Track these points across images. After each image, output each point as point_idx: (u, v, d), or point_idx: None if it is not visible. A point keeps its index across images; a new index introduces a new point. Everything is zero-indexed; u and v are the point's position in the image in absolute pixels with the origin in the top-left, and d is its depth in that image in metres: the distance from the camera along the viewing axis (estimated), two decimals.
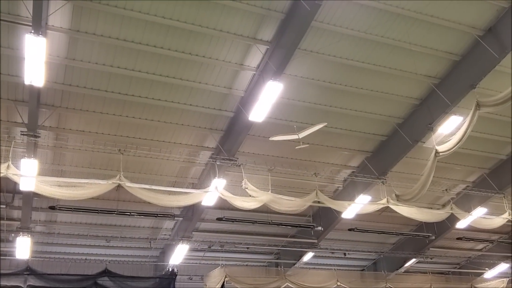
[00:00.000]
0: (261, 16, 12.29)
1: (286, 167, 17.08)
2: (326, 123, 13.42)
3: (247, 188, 15.20)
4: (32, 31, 10.13)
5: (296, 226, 20.43)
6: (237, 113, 14.95)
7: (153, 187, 14.34)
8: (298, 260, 22.37)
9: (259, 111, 13.20)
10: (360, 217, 18.75)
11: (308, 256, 22.12)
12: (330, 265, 23.16)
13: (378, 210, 16.97)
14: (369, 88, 15.13)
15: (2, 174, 12.41)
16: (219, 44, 12.86)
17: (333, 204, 16.94)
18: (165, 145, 15.87)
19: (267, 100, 12.74)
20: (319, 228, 19.87)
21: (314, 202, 16.58)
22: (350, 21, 12.74)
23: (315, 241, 21.10)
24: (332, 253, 22.60)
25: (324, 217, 19.92)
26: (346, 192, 18.58)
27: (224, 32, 12.45)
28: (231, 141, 15.49)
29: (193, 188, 17.15)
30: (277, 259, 23.38)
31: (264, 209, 16.25)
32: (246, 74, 13.92)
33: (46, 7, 10.66)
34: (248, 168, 15.97)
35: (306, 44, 13.04)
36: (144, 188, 14.22)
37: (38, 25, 10.28)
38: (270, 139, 13.34)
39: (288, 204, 15.81)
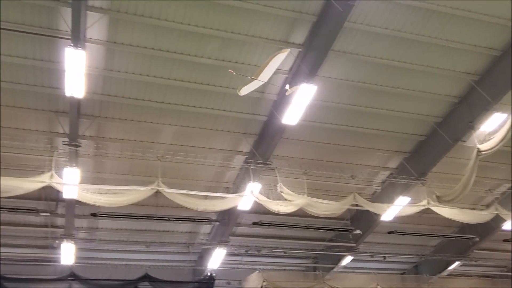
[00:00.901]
0: (293, 20, 12.28)
1: (321, 170, 16.94)
2: (287, 51, 9.64)
3: (282, 192, 15.19)
4: (72, 44, 10.49)
5: (334, 230, 20.21)
6: (270, 117, 14.96)
7: (190, 192, 14.55)
8: (337, 264, 22.06)
9: (293, 114, 13.16)
10: (400, 219, 18.32)
11: (346, 260, 21.79)
12: (370, 268, 22.76)
13: (418, 212, 16.58)
14: (406, 87, 14.83)
15: (46, 183, 12.88)
16: (251, 49, 12.92)
17: (372, 207, 16.68)
18: (200, 151, 16.06)
19: (300, 102, 12.69)
20: (358, 231, 19.58)
21: (352, 205, 16.43)
22: (384, 20, 12.55)
23: (354, 244, 20.77)
24: (372, 256, 22.17)
25: (363, 220, 19.59)
26: (385, 194, 18.22)
27: (256, 37, 12.51)
28: (265, 145, 15.50)
29: (228, 192, 17.22)
30: (315, 263, 23.13)
31: (300, 213, 16.17)
32: (279, 78, 13.91)
33: (84, 20, 11.01)
34: (283, 172, 15.95)
35: (339, 45, 12.93)
36: (181, 194, 14.45)
37: (77, 38, 10.64)
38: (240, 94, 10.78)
39: (325, 207, 15.69)
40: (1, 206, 16.25)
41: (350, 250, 21.16)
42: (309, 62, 12.63)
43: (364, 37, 12.92)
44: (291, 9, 11.96)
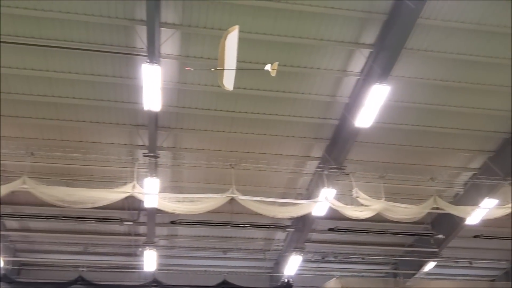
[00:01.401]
0: (362, 20, 12.01)
1: (398, 173, 16.35)
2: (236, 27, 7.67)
3: (358, 197, 14.86)
4: (148, 60, 10.98)
5: (414, 235, 19.45)
6: (342, 120, 14.70)
7: (264, 199, 14.63)
8: (418, 270, 21.14)
9: (366, 117, 12.83)
10: (487, 222, 17.17)
11: (429, 266, 20.82)
12: (455, 275, 21.62)
13: (507, 215, 15.48)
14: (486, 83, 13.95)
15: (128, 193, 13.55)
16: (320, 53, 12.80)
17: (455, 210, 15.86)
18: (272, 157, 16.12)
19: (373, 104, 12.35)
20: (440, 236, 18.69)
21: (433, 208, 15.74)
22: (460, 14, 11.90)
23: (436, 250, 19.80)
24: (456, 262, 21.05)
25: (445, 224, 18.64)
26: (469, 196, 17.20)
27: (324, 40, 12.38)
28: (338, 149, 15.24)
29: (302, 198, 17.11)
30: (395, 269, 22.35)
31: (378, 218, 15.73)
32: (350, 80, 13.67)
33: (158, 37, 11.49)
34: (358, 176, 15.61)
35: (412, 43, 12.44)
36: (255, 200, 14.58)
37: (153, 54, 11.12)
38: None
39: (404, 212, 15.14)
40: (88, 217, 17.38)
41: (432, 256, 20.22)
42: (382, 62, 12.27)
43: (439, 32, 12.33)
44: (360, 9, 11.70)
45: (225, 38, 7.81)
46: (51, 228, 18.82)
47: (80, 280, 18.88)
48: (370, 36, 12.39)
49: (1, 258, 18.52)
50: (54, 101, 13.50)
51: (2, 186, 13.42)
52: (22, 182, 12.95)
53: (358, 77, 13.45)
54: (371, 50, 12.64)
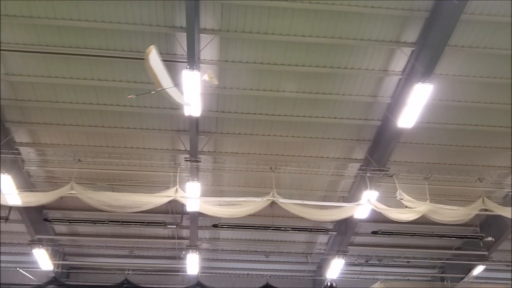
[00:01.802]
0: (403, 18, 11.75)
1: (444, 174, 15.90)
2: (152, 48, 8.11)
3: (402, 199, 14.53)
4: (188, 67, 11.15)
5: (462, 237, 18.80)
6: (384, 121, 14.42)
7: (305, 202, 14.53)
8: (467, 274, 20.44)
9: (409, 117, 12.51)
10: None
11: (478, 270, 20.08)
12: (505, 279, 20.70)
13: None
14: None
15: (171, 198, 13.78)
16: (360, 53, 12.62)
17: (504, 211, 15.22)
18: (313, 160, 16.01)
19: (416, 104, 12.05)
20: (489, 238, 18.01)
21: (481, 210, 15.18)
22: (506, 8, 11.41)
23: (485, 252, 19.08)
24: (508, 266, 20.18)
25: (495, 226, 17.94)
26: None
27: (365, 40, 12.19)
28: (380, 150, 14.95)
29: (344, 201, 16.93)
30: (442, 273, 21.71)
31: (423, 221, 15.33)
32: (392, 80, 13.40)
33: (198, 43, 11.64)
34: (401, 178, 15.27)
35: (456, 39, 12.06)
36: (296, 204, 14.50)
37: (192, 60, 11.28)
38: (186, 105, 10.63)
39: (451, 214, 14.68)
40: (133, 221, 17.82)
41: (481, 259, 19.50)
42: (424, 61, 11.94)
43: (485, 28, 11.89)
44: (401, 7, 11.45)
45: (148, 60, 7.99)
46: (98, 232, 19.42)
47: (126, 283, 19.36)
48: (412, 34, 12.10)
49: (51, 262, 19.22)
50: (99, 108, 13.93)
51: (51, 192, 13.96)
52: (70, 188, 13.41)
53: (400, 77, 13.16)
54: (413, 48, 12.34)
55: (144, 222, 18.03)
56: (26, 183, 15.66)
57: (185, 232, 19.36)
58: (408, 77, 12.83)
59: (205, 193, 15.59)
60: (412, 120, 12.63)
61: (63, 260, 20.73)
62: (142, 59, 12.26)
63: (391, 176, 15.05)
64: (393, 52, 12.62)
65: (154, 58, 8.08)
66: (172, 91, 8.91)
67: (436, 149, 15.49)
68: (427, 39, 11.81)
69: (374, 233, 18.55)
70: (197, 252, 18.67)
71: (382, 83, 13.51)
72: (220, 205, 14.84)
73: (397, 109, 13.15)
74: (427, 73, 11.88)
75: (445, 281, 21.01)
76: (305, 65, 12.82)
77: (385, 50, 12.57)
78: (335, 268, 19.57)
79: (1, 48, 12.13)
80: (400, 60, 12.75)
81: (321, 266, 21.61)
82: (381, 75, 13.25)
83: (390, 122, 13.79)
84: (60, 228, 19.47)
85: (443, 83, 12.98)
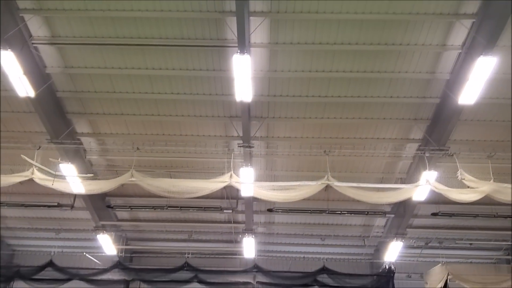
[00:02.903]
0: None
1: (508, 151, 15.06)
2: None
3: (464, 179, 13.90)
4: (239, 51, 11.12)
5: None
6: (443, 98, 13.82)
7: (361, 184, 14.24)
8: None
9: (470, 93, 11.95)
10: None
11: None
12: None
13: None
14: None
15: (226, 183, 13.93)
16: (416, 28, 12.08)
17: None
18: (368, 142, 15.64)
19: (478, 78, 11.45)
20: None
21: None
22: None
23: None
24: None
25: None
26: None
27: (421, 14, 11.64)
28: (439, 129, 14.38)
29: (401, 183, 16.49)
30: (508, 255, 20.75)
31: (486, 201, 14.61)
32: (451, 55, 12.77)
33: (248, 26, 11.58)
34: (462, 157, 14.62)
35: None
36: (352, 186, 14.23)
37: (243, 44, 11.26)
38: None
39: None
40: (191, 206, 18.24)
41: None
42: (486, 32, 11.27)
43: None
44: None
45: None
46: (158, 217, 20.08)
47: (186, 265, 19.89)
48: (472, 5, 11.42)
49: (115, 247, 20.09)
50: (154, 97, 14.25)
51: (113, 180, 14.48)
52: (130, 175, 13.83)
53: (460, 51, 12.51)
54: (473, 20, 11.65)
55: (201, 207, 18.44)
56: (89, 172, 16.36)
57: (240, 217, 19.61)
58: (469, 51, 12.19)
59: (259, 178, 15.67)
60: (473, 96, 12.07)
61: (126, 244, 21.65)
62: (194, 46, 12.58)
63: (452, 155, 14.45)
64: (451, 25, 12.00)
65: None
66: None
67: (499, 125, 14.70)
68: (489, 10, 11.13)
69: (434, 214, 17.95)
70: (253, 236, 18.88)
71: (440, 59, 12.92)
72: (274, 189, 14.80)
73: (457, 85, 12.59)
74: (489, 45, 11.25)
75: (511, 264, 20.04)
76: (359, 43, 12.45)
77: (443, 24, 11.97)
78: (393, 251, 19.19)
79: (60, 42, 12.64)
80: (460, 33, 12.11)
81: (378, 249, 21.28)
82: (439, 50, 12.66)
83: (449, 99, 13.23)
84: (122, 214, 20.29)
85: (507, 55, 12.23)
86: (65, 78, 13.82)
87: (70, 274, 20.07)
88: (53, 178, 13.65)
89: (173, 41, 12.49)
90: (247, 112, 13.92)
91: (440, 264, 18.81)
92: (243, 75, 11.48)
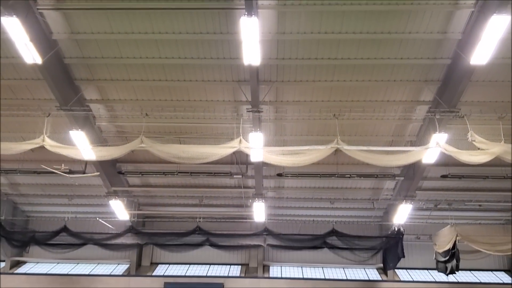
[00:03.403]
0: None
1: None
2: None
3: (474, 140, 13.79)
4: (246, 13, 10.92)
5: None
6: (455, 59, 13.59)
7: (371, 148, 14.21)
8: None
9: (483, 52, 11.73)
10: None
11: None
12: None
13: None
14: None
15: (236, 148, 13.97)
16: None
17: None
18: (378, 105, 15.52)
19: (491, 38, 11.21)
20: None
21: None
22: None
23: None
24: None
25: None
26: None
27: None
28: (450, 91, 14.20)
29: (411, 146, 16.43)
30: None
31: (496, 162, 14.52)
32: (463, 14, 12.45)
33: None
34: (473, 119, 14.47)
35: None
36: (362, 150, 14.21)
37: (250, 6, 11.05)
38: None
39: None
40: (201, 171, 18.41)
41: None
42: None
43: None
44: None
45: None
46: (169, 183, 20.30)
47: (198, 229, 20.24)
48: None
49: (127, 212, 20.44)
50: (162, 62, 14.15)
51: (123, 146, 14.56)
52: (140, 141, 13.89)
53: (472, 9, 12.19)
54: None
55: (211, 173, 18.61)
56: (99, 139, 16.50)
57: (250, 182, 19.76)
58: (482, 9, 11.88)
59: (268, 143, 15.67)
60: (486, 56, 11.86)
61: (138, 210, 22.01)
62: (200, 8, 12.35)
63: (462, 117, 14.31)
64: None
65: None
66: None
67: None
68: None
69: (444, 177, 17.98)
70: (263, 200, 19.06)
71: (452, 18, 12.61)
72: (284, 154, 14.82)
73: (469, 45, 12.36)
74: (503, 3, 10.95)
75: None
76: (369, 3, 12.16)
77: None
78: (403, 213, 19.32)
79: (65, 7, 12.50)
80: None
81: (387, 212, 21.45)
82: (450, 9, 12.34)
83: (461, 59, 13.00)
84: (133, 180, 20.54)
85: None
86: (72, 44, 13.74)
87: (84, 239, 20.57)
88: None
89: (179, 4, 12.31)
90: (255, 76, 13.80)
91: (449, 226, 18.95)
92: (251, 38, 11.32)
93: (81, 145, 14.54)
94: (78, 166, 18.03)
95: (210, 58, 13.96)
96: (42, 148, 13.79)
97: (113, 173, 19.09)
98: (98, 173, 17.18)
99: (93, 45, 13.72)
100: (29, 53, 11.97)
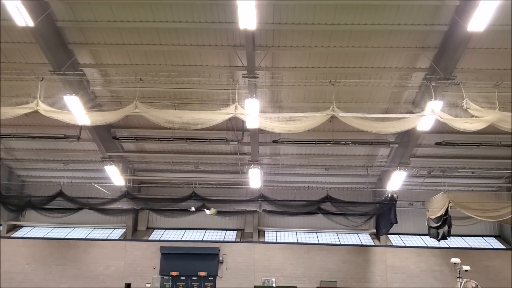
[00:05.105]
0: None
1: None
2: None
3: (469, 108, 13.79)
4: None
5: None
6: (452, 25, 13.45)
7: (366, 115, 14.21)
8: None
9: (480, 19, 11.56)
10: None
11: None
12: None
13: None
14: None
15: (231, 115, 13.93)
16: None
17: None
18: (374, 71, 15.44)
19: (489, 4, 11.03)
20: None
21: None
22: None
23: None
24: None
25: None
26: None
27: None
28: (447, 58, 14.12)
29: (407, 113, 16.43)
30: (509, 183, 21.13)
31: (490, 130, 14.60)
32: None
33: None
34: (469, 86, 14.48)
35: None
36: (357, 117, 14.21)
37: None
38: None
39: None
40: (196, 138, 18.41)
41: None
42: None
43: None
44: None
45: None
46: (164, 149, 20.36)
47: (194, 195, 20.44)
48: None
49: (123, 177, 20.54)
50: (156, 26, 13.91)
51: (117, 111, 14.46)
52: (134, 106, 13.78)
53: None
54: None
55: (207, 139, 18.62)
56: (93, 103, 16.39)
57: (246, 148, 19.84)
58: None
59: (264, 110, 15.64)
60: (483, 22, 11.68)
61: (133, 175, 22.13)
62: None
63: (458, 84, 14.28)
64: None
65: None
66: None
67: (508, 53, 14.38)
68: None
69: (438, 144, 18.07)
70: (259, 167, 19.19)
71: None
72: (280, 121, 14.81)
73: (467, 12, 12.20)
74: None
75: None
76: None
77: None
78: (396, 180, 19.54)
79: None
80: None
81: (381, 178, 21.68)
82: None
83: (458, 26, 12.86)
84: (128, 145, 20.55)
85: None
86: (64, 7, 13.46)
87: (80, 204, 20.76)
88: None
89: None
90: (251, 41, 13.64)
91: (441, 192, 19.19)
92: (246, 1, 11.09)
93: (76, 110, 14.45)
94: (73, 131, 17.99)
95: (205, 22, 13.73)
96: (36, 112, 13.70)
97: (108, 138, 19.08)
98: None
99: (86, 7, 13.44)
100: (21, 15, 11.72)
